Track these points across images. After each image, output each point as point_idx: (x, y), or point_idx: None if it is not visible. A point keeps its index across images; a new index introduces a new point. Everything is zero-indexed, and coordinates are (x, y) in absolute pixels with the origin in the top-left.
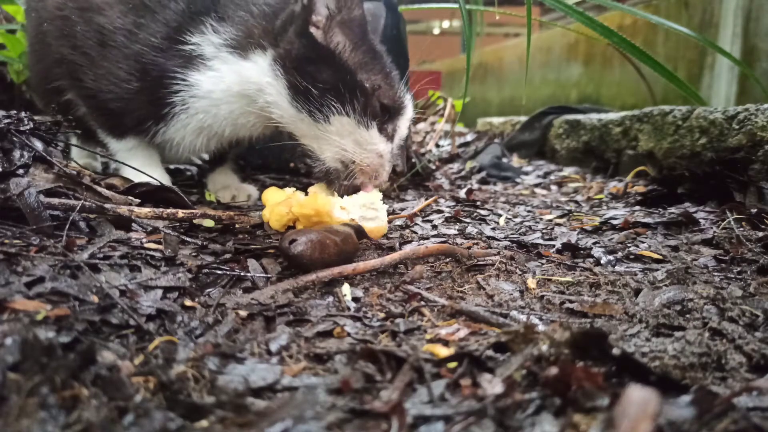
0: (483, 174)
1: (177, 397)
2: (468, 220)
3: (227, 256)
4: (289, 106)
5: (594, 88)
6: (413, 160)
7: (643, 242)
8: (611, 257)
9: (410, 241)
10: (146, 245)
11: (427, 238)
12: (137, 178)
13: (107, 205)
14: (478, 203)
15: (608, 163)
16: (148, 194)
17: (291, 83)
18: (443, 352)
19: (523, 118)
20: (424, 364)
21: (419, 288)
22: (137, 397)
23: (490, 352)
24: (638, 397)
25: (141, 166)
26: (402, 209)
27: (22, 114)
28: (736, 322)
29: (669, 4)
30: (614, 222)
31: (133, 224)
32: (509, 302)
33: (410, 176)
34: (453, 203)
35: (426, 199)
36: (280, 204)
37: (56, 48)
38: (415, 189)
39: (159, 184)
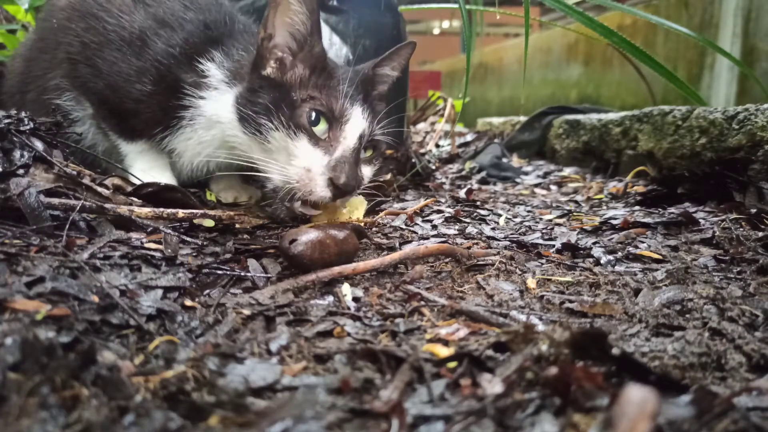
0: (483, 174)
1: (177, 397)
2: (468, 220)
3: (227, 256)
4: (241, 132)
5: (594, 88)
6: (413, 160)
7: (643, 242)
8: (611, 257)
9: (410, 241)
10: (146, 245)
11: (427, 238)
12: (145, 179)
13: (107, 205)
14: (478, 203)
15: (608, 163)
16: (155, 194)
17: (240, 112)
18: (443, 352)
19: (523, 118)
20: (423, 364)
21: (419, 288)
22: (137, 397)
23: (490, 352)
24: (637, 396)
25: (150, 168)
26: (402, 209)
27: (22, 114)
28: (736, 322)
29: (669, 4)
30: (614, 222)
31: (133, 224)
32: (509, 302)
33: (410, 176)
34: (453, 203)
35: (426, 199)
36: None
37: (64, 46)
38: (415, 189)
39: (165, 183)
